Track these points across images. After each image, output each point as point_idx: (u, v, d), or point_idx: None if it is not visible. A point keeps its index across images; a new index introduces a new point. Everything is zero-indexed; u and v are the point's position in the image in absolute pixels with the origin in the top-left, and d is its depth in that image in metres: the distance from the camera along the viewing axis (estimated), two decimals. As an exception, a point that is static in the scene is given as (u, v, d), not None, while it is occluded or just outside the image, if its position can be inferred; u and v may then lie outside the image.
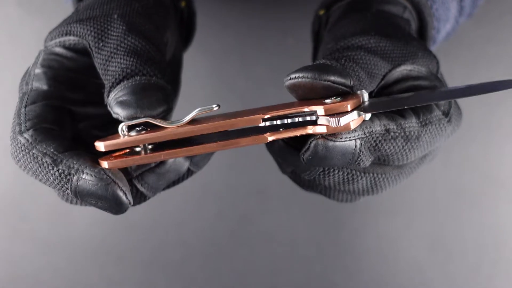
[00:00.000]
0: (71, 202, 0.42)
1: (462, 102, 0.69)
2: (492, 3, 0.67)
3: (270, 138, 0.37)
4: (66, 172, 0.38)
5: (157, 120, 0.38)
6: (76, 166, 0.38)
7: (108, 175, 0.37)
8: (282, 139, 0.40)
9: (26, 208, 0.71)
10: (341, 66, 0.38)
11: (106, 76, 0.41)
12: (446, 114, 0.40)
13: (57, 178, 0.38)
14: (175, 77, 0.49)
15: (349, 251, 0.70)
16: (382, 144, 0.38)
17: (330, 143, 0.37)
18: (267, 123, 0.37)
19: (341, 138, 0.37)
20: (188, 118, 0.38)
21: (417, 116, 0.39)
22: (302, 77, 0.37)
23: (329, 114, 0.36)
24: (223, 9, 0.69)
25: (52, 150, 0.38)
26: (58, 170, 0.38)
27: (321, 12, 0.50)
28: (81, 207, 0.69)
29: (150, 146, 0.39)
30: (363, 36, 0.41)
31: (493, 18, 0.68)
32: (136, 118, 0.38)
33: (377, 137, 0.38)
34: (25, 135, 0.39)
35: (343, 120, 0.36)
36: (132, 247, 0.71)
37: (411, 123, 0.39)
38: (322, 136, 0.37)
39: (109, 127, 0.43)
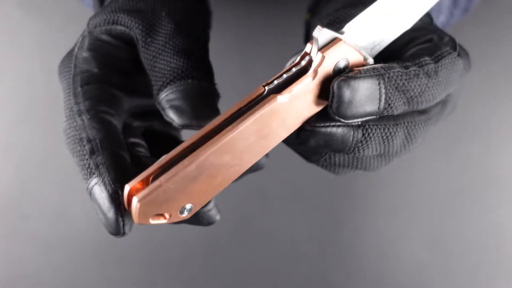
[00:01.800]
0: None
1: (462, 101, 0.70)
2: (491, 3, 0.67)
3: (280, 97, 0.36)
4: (92, 169, 0.38)
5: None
6: (102, 169, 0.38)
7: (118, 201, 0.37)
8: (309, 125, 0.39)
9: (26, 208, 0.71)
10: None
11: (154, 72, 0.41)
12: (454, 49, 0.40)
13: (85, 169, 0.38)
14: None
15: (349, 251, 0.70)
16: (407, 82, 0.38)
17: (352, 81, 0.36)
18: (267, 87, 0.37)
19: (360, 74, 0.36)
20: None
21: (428, 54, 0.39)
22: None
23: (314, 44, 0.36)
24: (224, 9, 0.69)
25: (98, 140, 0.38)
26: (89, 163, 0.38)
27: (308, 16, 0.50)
28: (81, 207, 0.69)
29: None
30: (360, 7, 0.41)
31: (493, 18, 0.68)
32: (190, 127, 0.39)
33: (399, 75, 0.37)
34: (83, 117, 0.39)
35: (324, 35, 0.36)
36: (132, 247, 0.71)
37: (426, 59, 0.38)
38: (341, 76, 0.36)
39: (145, 118, 0.44)
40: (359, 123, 0.38)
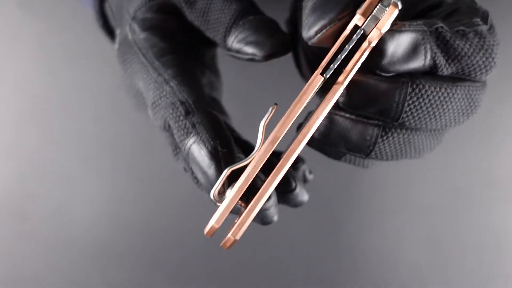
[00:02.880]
0: (175, 156, 0.42)
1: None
2: (491, 4, 0.67)
3: (341, 79, 0.34)
4: (189, 129, 0.38)
5: (236, 164, 0.36)
6: (199, 128, 0.37)
7: (219, 155, 0.36)
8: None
9: (26, 208, 0.71)
10: None
11: (210, 25, 0.41)
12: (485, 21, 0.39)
13: (181, 130, 0.38)
14: None
15: (349, 251, 0.70)
16: (454, 40, 0.36)
17: (396, 34, 0.34)
18: (328, 75, 0.35)
19: (402, 27, 0.35)
20: (260, 139, 0.35)
21: (472, 16, 0.37)
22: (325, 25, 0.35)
23: (367, 17, 0.34)
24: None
25: (191, 101, 0.39)
26: (185, 123, 0.38)
27: None
28: (81, 207, 0.69)
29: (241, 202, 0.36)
30: None
31: (493, 19, 0.68)
32: (273, 56, 0.38)
33: (444, 32, 0.36)
34: (171, 83, 0.40)
35: (380, 10, 0.34)
36: (132, 247, 0.71)
37: (476, 19, 0.37)
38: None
39: None
40: (407, 80, 0.35)
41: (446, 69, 0.36)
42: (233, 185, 0.35)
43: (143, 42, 0.43)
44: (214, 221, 0.36)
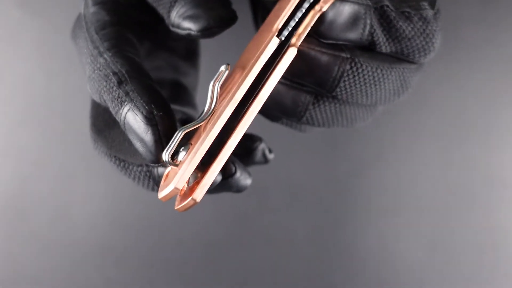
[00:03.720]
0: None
1: (462, 102, 0.70)
2: (491, 4, 0.67)
3: (293, 41, 0.35)
4: (123, 98, 0.36)
5: (190, 126, 0.35)
6: (132, 95, 0.36)
7: (155, 119, 0.35)
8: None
9: (26, 208, 0.71)
10: None
11: (160, 1, 0.40)
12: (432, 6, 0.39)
13: (115, 100, 0.37)
14: None
15: (349, 251, 0.70)
16: (397, 20, 0.37)
17: (338, 3, 0.35)
18: (284, 36, 0.35)
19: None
20: (210, 99, 0.35)
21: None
22: None
23: None
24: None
25: (124, 71, 0.37)
26: (118, 93, 0.37)
27: None
28: (81, 207, 0.69)
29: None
30: None
31: (493, 20, 0.68)
32: (209, 29, 0.37)
33: (389, 11, 0.37)
34: (105, 55, 0.38)
35: None
36: (132, 247, 0.71)
37: (424, 3, 0.38)
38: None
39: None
40: (348, 56, 0.37)
41: (385, 47, 0.37)
42: (187, 147, 0.35)
43: (91, 16, 0.42)
44: (175, 184, 0.34)
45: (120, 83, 0.37)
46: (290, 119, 0.40)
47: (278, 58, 0.35)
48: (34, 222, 0.71)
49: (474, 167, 0.69)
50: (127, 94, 0.36)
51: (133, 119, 0.36)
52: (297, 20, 0.36)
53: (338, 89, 0.38)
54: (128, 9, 0.43)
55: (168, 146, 0.35)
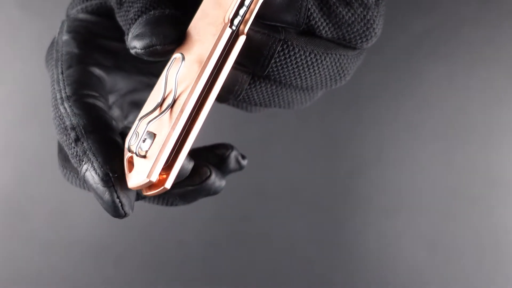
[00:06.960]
0: (80, 183, 0.42)
1: (462, 102, 0.70)
2: (490, 5, 0.67)
3: (242, 28, 0.36)
4: (80, 156, 0.37)
5: (152, 115, 0.36)
6: (89, 155, 0.37)
7: (111, 180, 0.36)
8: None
9: (26, 208, 0.71)
10: None
11: (126, 26, 0.40)
12: None
13: (74, 158, 0.38)
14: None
15: (349, 251, 0.70)
16: (337, 6, 0.37)
17: None
18: (234, 26, 0.36)
19: None
20: (167, 87, 0.36)
21: None
22: None
23: None
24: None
25: (81, 126, 0.38)
26: (76, 151, 0.38)
27: None
28: (81, 207, 0.69)
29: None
30: None
31: (492, 20, 0.68)
32: (151, 47, 0.37)
33: None
34: (65, 105, 0.39)
35: None
36: (132, 247, 0.71)
37: None
38: None
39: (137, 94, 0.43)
40: (282, 37, 0.37)
41: (325, 32, 0.38)
42: (151, 136, 0.35)
43: (62, 45, 0.42)
44: (150, 176, 0.35)
45: (77, 140, 0.38)
46: (229, 97, 0.40)
47: (229, 47, 0.36)
48: (34, 222, 0.71)
49: (474, 167, 0.69)
50: (84, 153, 0.37)
51: (91, 179, 0.37)
52: (246, 7, 0.36)
53: (270, 69, 0.38)
54: (100, 39, 0.43)
55: (130, 139, 0.36)
